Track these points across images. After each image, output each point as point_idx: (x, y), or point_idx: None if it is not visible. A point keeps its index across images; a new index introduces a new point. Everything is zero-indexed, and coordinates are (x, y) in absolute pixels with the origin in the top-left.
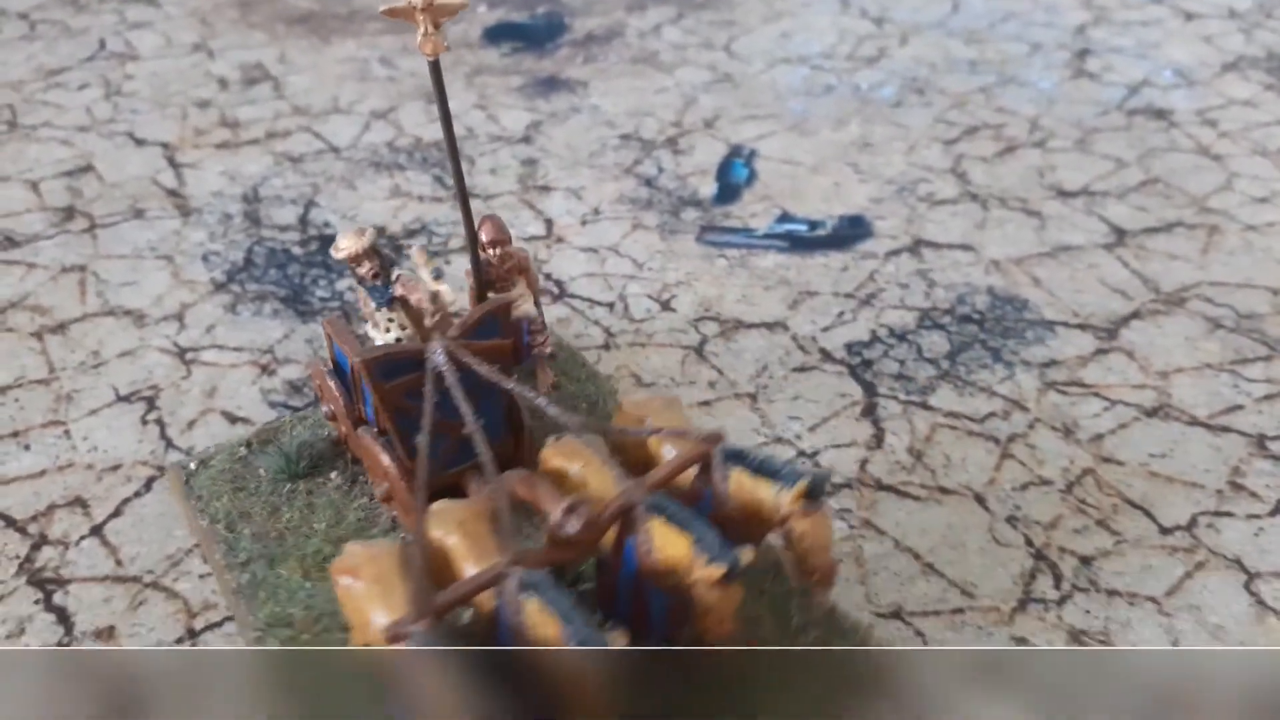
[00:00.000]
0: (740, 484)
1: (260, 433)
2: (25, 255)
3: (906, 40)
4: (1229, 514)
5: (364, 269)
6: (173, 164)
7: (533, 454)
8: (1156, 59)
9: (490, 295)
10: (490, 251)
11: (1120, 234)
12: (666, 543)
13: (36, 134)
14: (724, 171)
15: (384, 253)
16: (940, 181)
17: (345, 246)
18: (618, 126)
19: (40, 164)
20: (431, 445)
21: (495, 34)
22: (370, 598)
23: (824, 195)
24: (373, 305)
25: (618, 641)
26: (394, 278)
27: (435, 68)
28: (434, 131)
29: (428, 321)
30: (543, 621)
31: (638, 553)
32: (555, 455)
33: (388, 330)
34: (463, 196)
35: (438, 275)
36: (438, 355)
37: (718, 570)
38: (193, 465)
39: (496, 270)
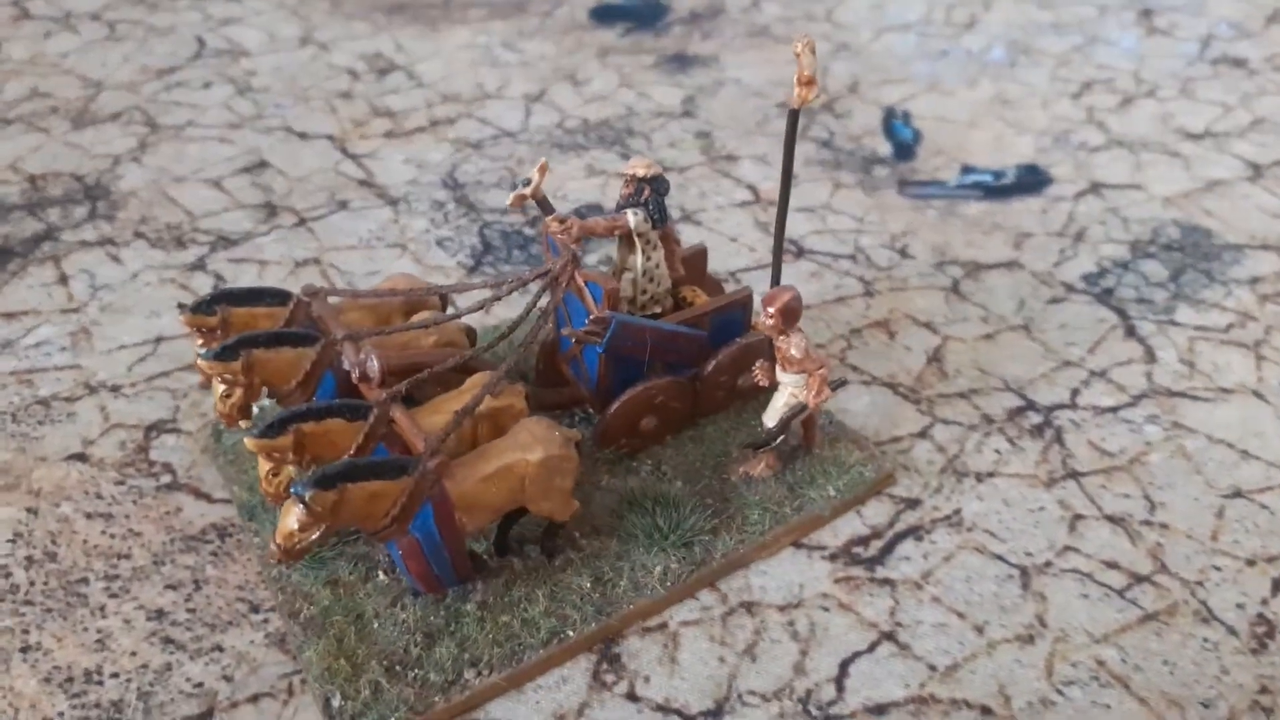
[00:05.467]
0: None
1: None
2: (249, 253)
3: (990, 5)
4: None
5: (627, 189)
6: (348, 154)
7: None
8: (1210, 15)
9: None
10: (764, 319)
11: (1256, 168)
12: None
13: (186, 133)
14: (889, 131)
15: (647, 191)
16: (1085, 131)
17: (632, 164)
18: (768, 96)
19: (210, 163)
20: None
21: (601, 15)
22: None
23: (989, 148)
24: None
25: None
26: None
27: (794, 116)
28: (595, 110)
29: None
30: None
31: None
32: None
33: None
34: (776, 258)
35: (526, 183)
36: (557, 266)
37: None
38: None
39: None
